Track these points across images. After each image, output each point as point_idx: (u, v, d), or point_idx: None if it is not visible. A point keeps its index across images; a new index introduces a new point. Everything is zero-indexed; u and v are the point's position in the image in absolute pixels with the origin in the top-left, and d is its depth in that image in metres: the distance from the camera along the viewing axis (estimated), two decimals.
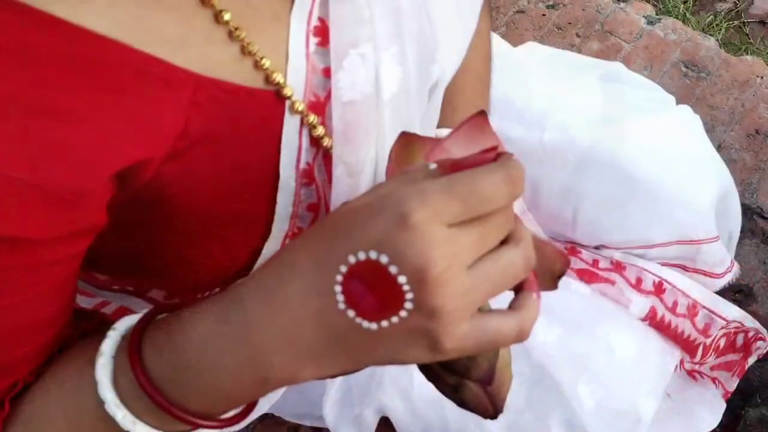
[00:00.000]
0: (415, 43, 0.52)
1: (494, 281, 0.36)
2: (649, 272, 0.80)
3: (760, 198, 1.28)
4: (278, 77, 0.45)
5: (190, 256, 0.50)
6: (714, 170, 0.82)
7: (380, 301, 0.36)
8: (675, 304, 0.80)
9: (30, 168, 0.36)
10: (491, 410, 0.47)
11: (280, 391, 0.77)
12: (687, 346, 0.83)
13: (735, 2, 1.75)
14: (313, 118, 0.47)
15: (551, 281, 0.48)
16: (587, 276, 0.78)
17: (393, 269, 0.34)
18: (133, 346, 0.42)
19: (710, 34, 1.53)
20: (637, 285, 0.79)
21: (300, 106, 0.46)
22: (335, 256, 0.36)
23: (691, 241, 0.79)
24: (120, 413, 0.41)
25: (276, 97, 0.45)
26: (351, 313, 0.36)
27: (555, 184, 0.79)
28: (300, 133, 0.48)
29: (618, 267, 0.79)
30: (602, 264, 0.80)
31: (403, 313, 0.35)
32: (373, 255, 0.35)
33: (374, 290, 0.36)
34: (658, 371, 0.82)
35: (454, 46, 0.58)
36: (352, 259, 0.35)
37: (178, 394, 0.41)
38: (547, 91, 0.80)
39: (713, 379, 0.99)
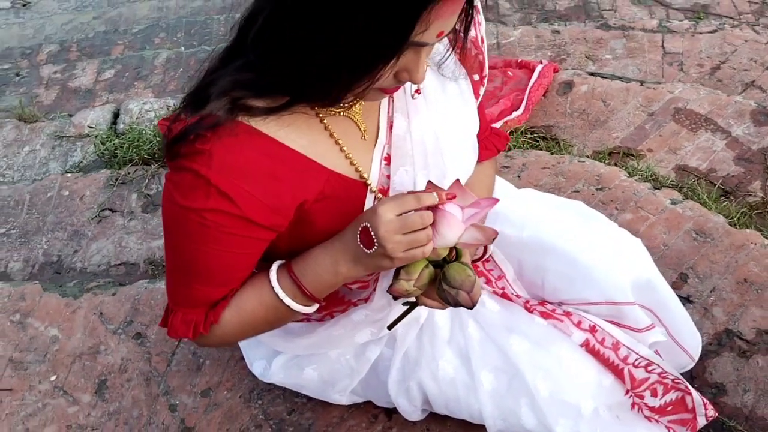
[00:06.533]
0: (435, 169, 1.16)
1: (407, 243, 0.95)
2: (587, 319, 1.30)
3: (740, 325, 1.71)
4: (366, 176, 1.09)
5: (308, 245, 1.07)
6: (629, 264, 1.33)
7: (368, 241, 0.95)
8: (603, 340, 1.29)
9: (265, 197, 0.95)
10: (471, 305, 0.98)
11: (364, 370, 1.34)
12: (614, 369, 1.29)
13: (762, 197, 2.24)
14: (380, 196, 1.11)
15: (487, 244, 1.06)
16: (545, 315, 1.30)
17: (372, 230, 0.95)
18: (288, 263, 1.05)
19: (732, 216, 2.02)
20: (578, 324, 1.29)
21: (375, 190, 1.10)
22: (357, 227, 0.98)
23: (614, 303, 1.30)
24: (281, 292, 1.04)
25: (364, 185, 1.09)
26: (361, 245, 0.97)
27: (530, 263, 1.36)
28: (374, 202, 1.11)
29: (567, 314, 1.31)
30: (558, 311, 1.32)
31: (374, 246, 0.95)
32: (367, 224, 0.96)
33: (366, 237, 0.96)
34: (595, 383, 1.28)
35: (458, 172, 1.20)
36: (361, 227, 0.97)
37: (310, 286, 1.03)
38: (533, 213, 1.40)
39: (668, 428, 1.41)
